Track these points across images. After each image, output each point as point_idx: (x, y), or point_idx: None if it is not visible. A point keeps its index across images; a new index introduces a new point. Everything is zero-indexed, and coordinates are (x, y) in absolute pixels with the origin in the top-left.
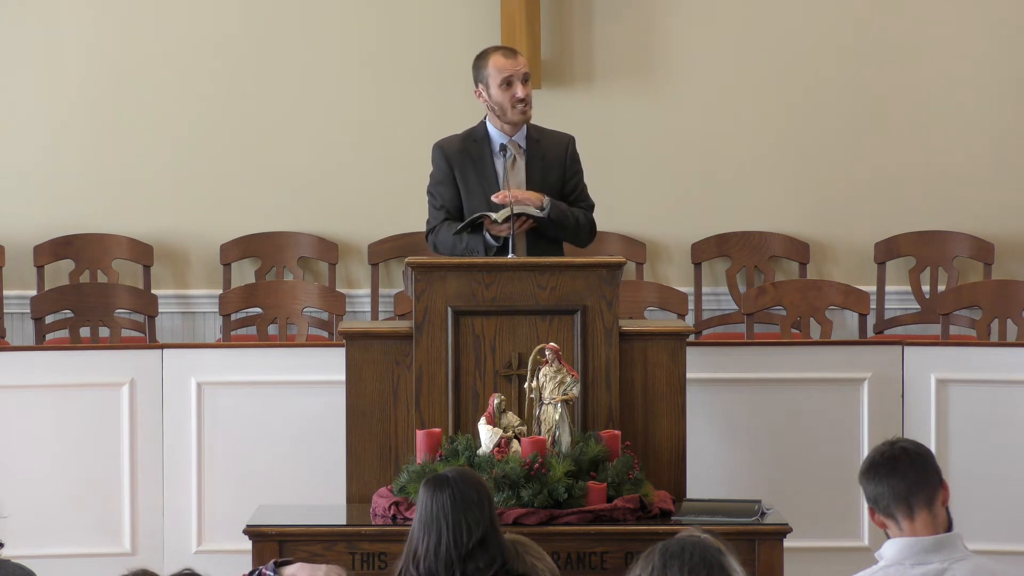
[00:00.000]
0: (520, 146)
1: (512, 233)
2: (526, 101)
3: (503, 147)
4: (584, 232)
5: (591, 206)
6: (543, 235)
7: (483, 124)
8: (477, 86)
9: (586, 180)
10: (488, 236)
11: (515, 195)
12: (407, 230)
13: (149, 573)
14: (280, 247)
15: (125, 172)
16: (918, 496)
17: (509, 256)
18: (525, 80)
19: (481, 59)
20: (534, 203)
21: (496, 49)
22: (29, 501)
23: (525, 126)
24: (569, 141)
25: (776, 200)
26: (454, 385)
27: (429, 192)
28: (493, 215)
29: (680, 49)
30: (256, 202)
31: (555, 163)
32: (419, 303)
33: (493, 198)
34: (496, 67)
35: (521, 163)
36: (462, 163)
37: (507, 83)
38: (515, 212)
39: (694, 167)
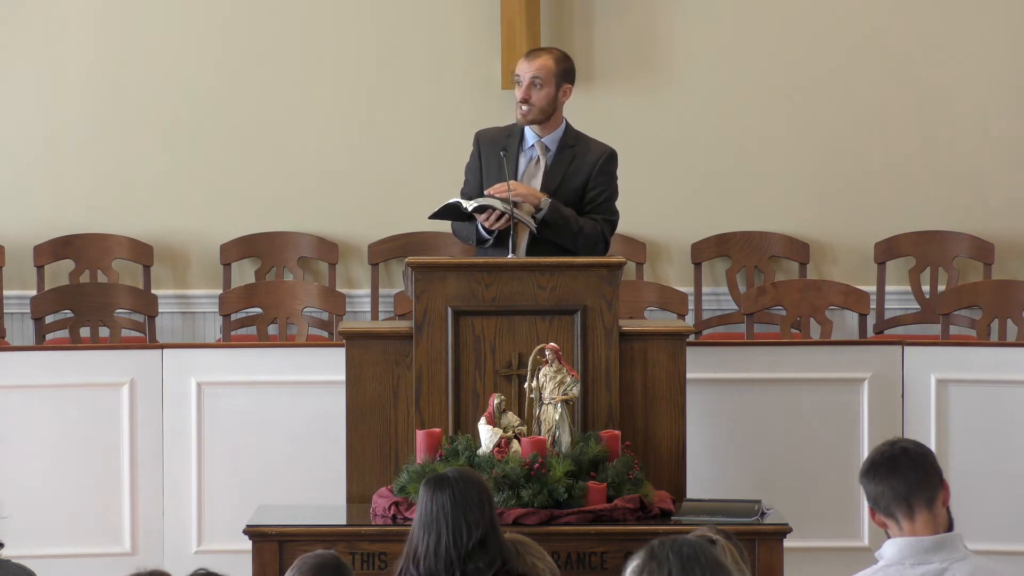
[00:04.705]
0: (547, 148)
1: (513, 228)
2: (526, 103)
3: (505, 148)
4: (586, 242)
5: (609, 221)
6: (543, 238)
7: None
8: None
9: (618, 182)
10: (481, 228)
11: (506, 188)
12: (407, 230)
13: (160, 573)
14: (280, 247)
15: (125, 172)
16: (918, 496)
17: (509, 256)
18: (533, 82)
19: None
20: (531, 201)
21: (529, 50)
22: (29, 501)
23: (562, 129)
24: (604, 154)
25: (776, 200)
26: (454, 385)
27: (464, 176)
28: (464, 202)
29: (680, 49)
30: (256, 202)
31: (580, 171)
32: (419, 303)
33: (488, 191)
34: (517, 66)
35: (543, 165)
36: (489, 153)
37: (516, 83)
38: (483, 204)
39: (694, 167)
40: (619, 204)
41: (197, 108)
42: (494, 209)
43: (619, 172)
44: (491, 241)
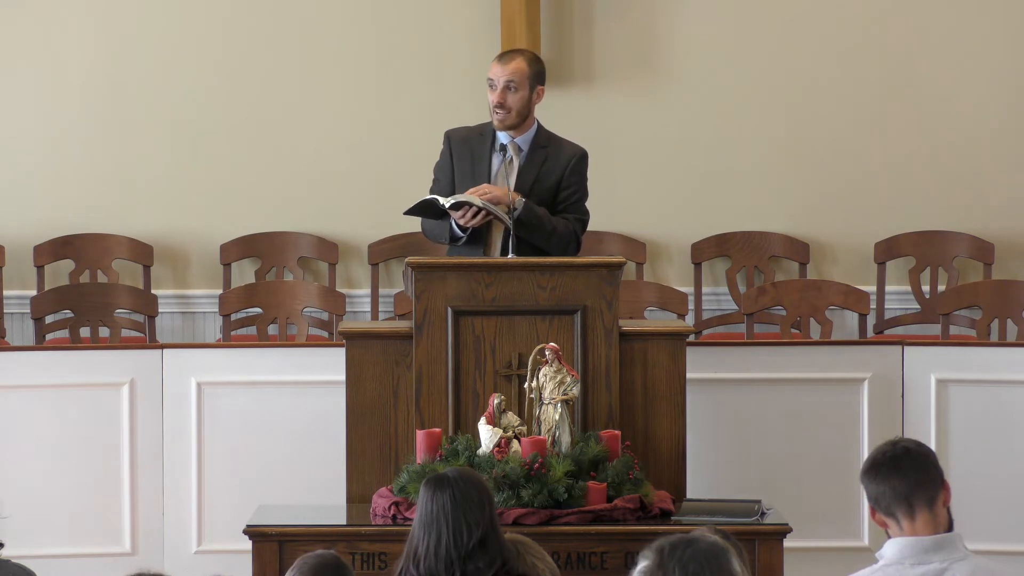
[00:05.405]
0: (520, 148)
1: (508, 231)
2: (502, 107)
3: (503, 146)
4: (559, 242)
5: (581, 220)
6: (519, 237)
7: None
8: None
9: (588, 183)
10: (455, 226)
11: (486, 189)
12: (407, 230)
13: None
14: (280, 247)
15: (125, 172)
16: (919, 496)
17: (509, 255)
18: (508, 87)
19: None
20: (505, 202)
21: (501, 53)
22: (29, 501)
23: (534, 129)
24: (575, 155)
25: (776, 200)
26: (454, 385)
27: (433, 175)
28: (441, 199)
29: (680, 49)
30: (256, 202)
31: (553, 172)
32: (419, 303)
33: (469, 191)
34: (490, 70)
35: (516, 165)
36: (461, 153)
37: (490, 87)
38: (461, 201)
39: (694, 167)
40: (619, 204)
41: (197, 108)
42: (470, 206)
43: (617, 172)
44: (464, 239)
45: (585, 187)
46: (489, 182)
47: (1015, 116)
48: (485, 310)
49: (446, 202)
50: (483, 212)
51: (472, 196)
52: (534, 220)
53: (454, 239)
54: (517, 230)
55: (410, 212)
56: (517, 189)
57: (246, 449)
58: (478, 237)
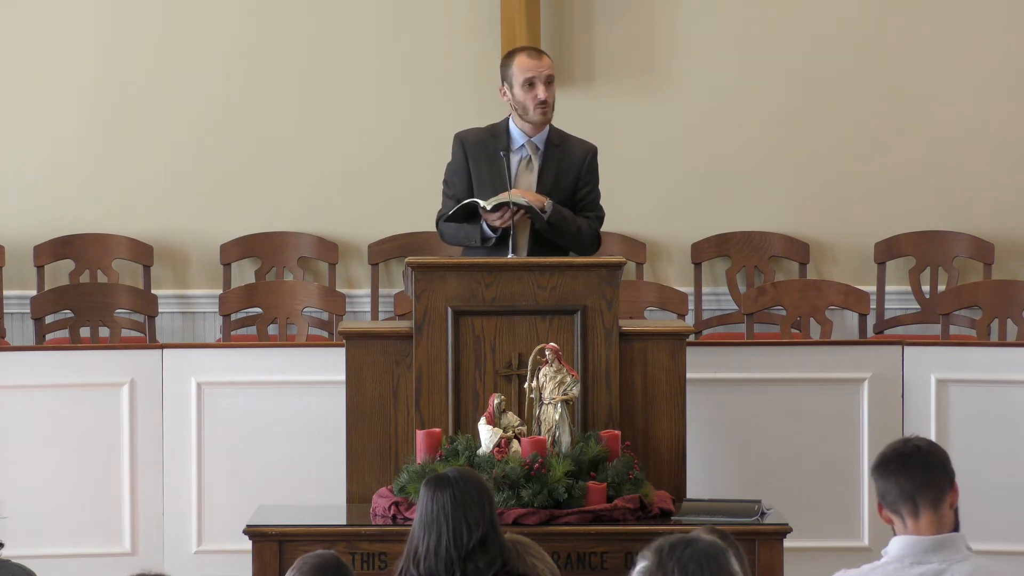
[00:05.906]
0: (538, 148)
1: (513, 228)
2: (547, 103)
3: (505, 149)
4: (584, 241)
5: (599, 217)
6: (544, 239)
7: (506, 121)
8: (503, 84)
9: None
10: (485, 227)
11: (518, 193)
12: (407, 230)
13: None
14: (280, 247)
15: (125, 172)
16: (924, 496)
17: (509, 256)
18: (548, 81)
19: (508, 58)
20: (534, 205)
21: (523, 49)
22: (29, 501)
23: (547, 129)
24: (589, 151)
25: (776, 200)
26: (454, 385)
27: (444, 180)
28: (483, 202)
29: (680, 49)
30: (256, 202)
31: (570, 170)
32: (419, 303)
33: (507, 192)
34: (520, 67)
35: (535, 165)
36: (477, 155)
37: (529, 84)
38: (506, 201)
39: (694, 167)
40: (619, 204)
41: (197, 108)
42: (508, 207)
43: (618, 172)
44: (494, 240)
45: (598, 184)
46: (508, 181)
47: (1015, 116)
48: (485, 310)
49: (488, 204)
50: (520, 212)
51: (516, 195)
52: (562, 222)
53: (484, 240)
54: (546, 233)
55: (450, 219)
56: (538, 189)
57: (246, 449)
58: (505, 238)
